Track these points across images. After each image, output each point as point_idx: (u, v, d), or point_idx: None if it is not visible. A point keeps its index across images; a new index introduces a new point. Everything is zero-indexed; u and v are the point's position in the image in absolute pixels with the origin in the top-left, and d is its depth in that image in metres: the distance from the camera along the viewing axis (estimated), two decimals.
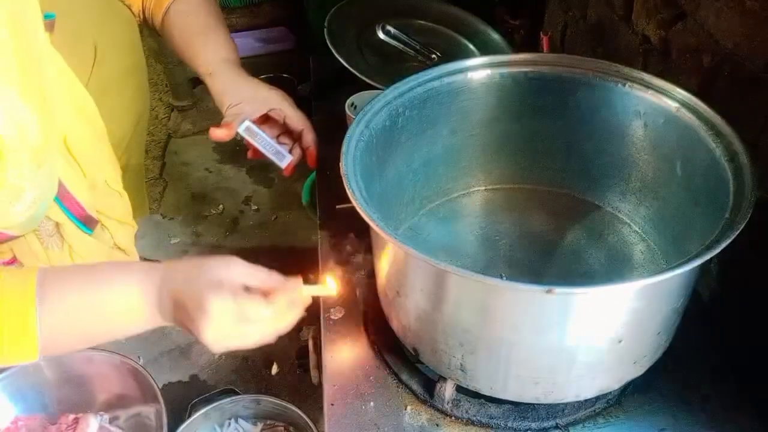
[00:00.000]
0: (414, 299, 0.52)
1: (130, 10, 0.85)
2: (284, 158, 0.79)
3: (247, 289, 0.53)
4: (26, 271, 0.56)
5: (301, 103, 0.84)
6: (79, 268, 0.59)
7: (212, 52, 0.78)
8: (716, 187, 0.52)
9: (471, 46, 1.09)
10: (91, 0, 0.80)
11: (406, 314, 0.55)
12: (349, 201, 0.51)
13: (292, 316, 0.54)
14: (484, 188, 0.72)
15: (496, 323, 0.49)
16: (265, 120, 0.79)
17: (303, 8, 1.39)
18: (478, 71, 0.65)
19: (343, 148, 0.56)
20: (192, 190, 1.33)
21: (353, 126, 0.58)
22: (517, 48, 1.14)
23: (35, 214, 0.66)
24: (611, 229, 0.68)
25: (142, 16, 0.85)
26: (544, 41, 0.91)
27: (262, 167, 1.36)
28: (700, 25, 0.71)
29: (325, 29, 1.01)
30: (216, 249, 1.18)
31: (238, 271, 0.54)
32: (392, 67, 1.02)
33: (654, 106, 0.60)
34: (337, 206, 0.76)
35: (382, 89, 0.63)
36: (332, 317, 0.66)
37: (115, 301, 0.54)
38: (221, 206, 1.29)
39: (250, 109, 0.77)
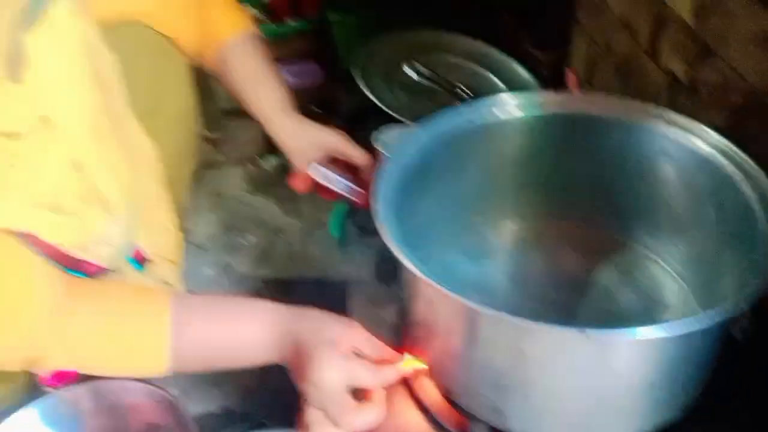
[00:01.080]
0: (445, 338, 0.53)
1: (177, 43, 0.85)
2: (358, 193, 0.82)
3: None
4: (158, 290, 0.62)
5: None
6: (205, 297, 0.65)
7: (270, 99, 0.81)
8: (749, 230, 0.52)
9: (497, 81, 1.11)
10: (146, 43, 0.81)
11: (437, 352, 0.56)
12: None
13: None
14: (514, 225, 0.73)
15: (529, 364, 0.49)
16: (331, 160, 0.82)
17: (331, 43, 1.43)
18: (508, 110, 0.67)
19: (375, 185, 0.57)
20: (223, 221, 1.36)
21: (386, 163, 0.60)
22: (543, 81, 1.15)
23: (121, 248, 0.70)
24: (642, 267, 0.68)
25: (188, 49, 0.86)
26: (571, 77, 0.92)
27: (291, 198, 1.38)
28: (727, 63, 0.71)
29: (355, 65, 1.04)
30: (247, 280, 1.20)
31: (357, 335, 0.56)
32: (420, 103, 1.04)
33: (685, 147, 0.61)
34: (367, 239, 0.78)
35: (411, 124, 0.65)
36: None
37: (244, 332, 0.58)
38: (252, 237, 1.31)
39: (317, 153, 0.81)
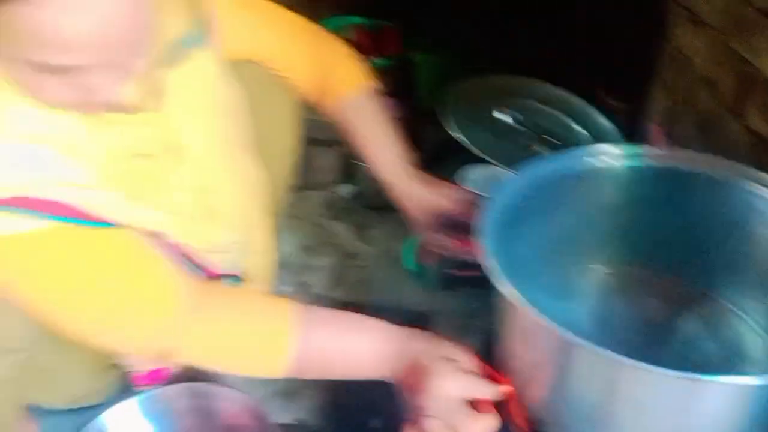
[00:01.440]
0: (542, 370, 0.57)
1: (293, 84, 0.90)
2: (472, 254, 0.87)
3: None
4: (283, 298, 0.67)
5: None
6: (327, 309, 0.69)
7: (390, 162, 0.85)
8: None
9: (579, 128, 1.15)
10: (261, 79, 0.86)
11: (530, 384, 0.60)
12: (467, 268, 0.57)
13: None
14: (600, 269, 0.76)
15: (622, 401, 0.52)
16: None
17: (413, 80, 1.50)
18: (602, 160, 0.71)
19: (481, 226, 0.62)
20: (300, 242, 1.43)
21: (490, 204, 0.65)
22: (623, 131, 1.19)
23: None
24: (726, 322, 0.70)
25: (306, 93, 0.91)
26: (657, 132, 0.95)
27: (365, 225, 1.45)
28: None
29: (440, 104, 1.11)
30: (322, 300, 1.26)
31: (467, 354, 0.61)
32: (502, 144, 1.09)
33: None
34: (457, 273, 0.82)
35: (493, 163, 0.70)
36: None
37: (363, 346, 0.62)
38: (327, 259, 1.37)
39: (435, 218, 0.83)
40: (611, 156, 0.71)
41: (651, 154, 0.71)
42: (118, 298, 0.60)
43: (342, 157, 1.57)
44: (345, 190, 1.51)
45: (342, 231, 1.46)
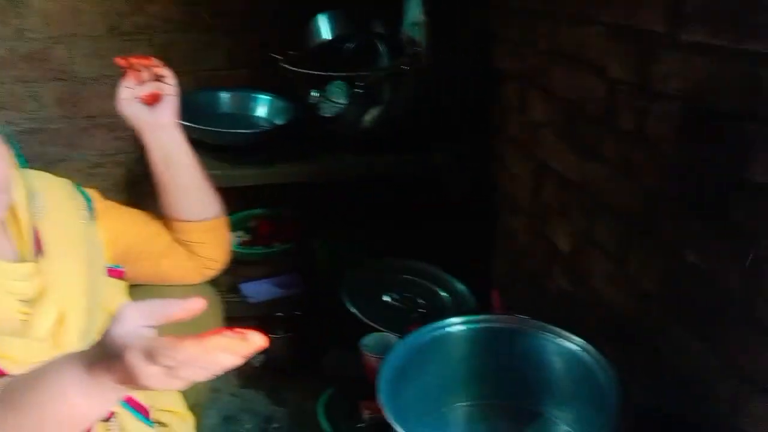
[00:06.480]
0: None
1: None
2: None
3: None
4: None
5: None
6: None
7: None
8: (601, 401, 0.87)
9: (443, 293, 1.50)
10: None
11: None
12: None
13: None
14: (465, 404, 1.05)
15: None
16: None
17: (313, 261, 1.80)
18: (455, 327, 1.03)
19: (377, 381, 0.90)
20: (221, 414, 1.60)
21: (382, 366, 0.93)
22: (473, 289, 1.52)
23: None
24: (549, 426, 1.01)
25: None
26: (495, 297, 1.31)
27: (276, 389, 1.65)
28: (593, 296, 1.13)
29: (342, 287, 1.41)
30: None
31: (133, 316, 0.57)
32: (391, 317, 1.38)
33: (564, 347, 0.98)
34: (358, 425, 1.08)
35: (387, 333, 0.98)
36: None
37: (45, 395, 0.58)
38: (247, 426, 1.55)
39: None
40: (461, 324, 1.03)
41: (485, 320, 1.04)
42: None
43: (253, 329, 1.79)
44: (256, 359, 1.72)
45: (257, 397, 1.65)
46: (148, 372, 0.54)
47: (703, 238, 0.85)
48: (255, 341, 0.55)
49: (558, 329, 1.00)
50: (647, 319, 0.99)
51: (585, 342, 0.96)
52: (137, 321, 0.57)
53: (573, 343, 0.97)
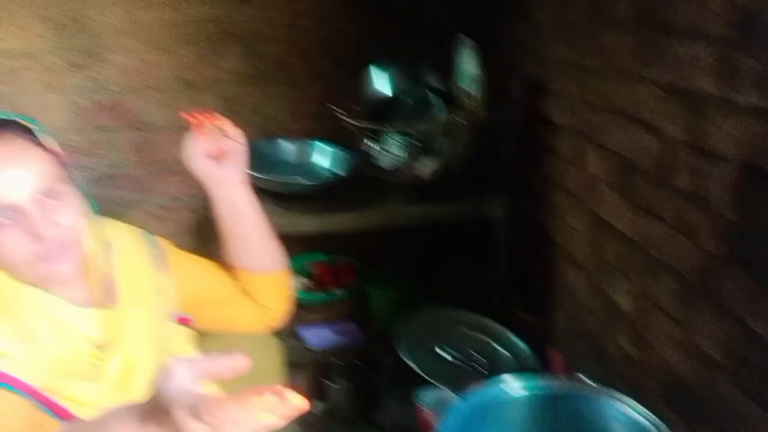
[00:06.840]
0: None
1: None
2: None
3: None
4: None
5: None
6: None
7: None
8: None
9: (501, 350, 1.48)
10: None
11: None
12: None
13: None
14: None
15: None
16: None
17: (368, 309, 1.80)
18: (516, 388, 1.03)
19: None
20: None
21: (442, 426, 0.94)
22: (532, 345, 1.51)
23: None
24: None
25: None
26: (555, 358, 1.30)
27: None
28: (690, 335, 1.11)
29: (392, 335, 1.41)
30: None
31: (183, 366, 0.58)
32: (448, 371, 1.37)
33: (629, 417, 0.96)
34: None
35: (443, 388, 1.00)
36: None
37: None
38: None
39: None
40: (522, 386, 1.03)
41: (547, 385, 1.03)
42: None
43: (312, 376, 1.82)
44: (316, 407, 1.74)
45: None
46: (194, 429, 0.55)
47: (765, 305, 0.83)
48: (294, 403, 0.54)
49: (623, 396, 0.99)
50: (714, 389, 0.97)
51: (649, 413, 0.95)
52: (185, 376, 0.58)
53: (637, 413, 0.96)
